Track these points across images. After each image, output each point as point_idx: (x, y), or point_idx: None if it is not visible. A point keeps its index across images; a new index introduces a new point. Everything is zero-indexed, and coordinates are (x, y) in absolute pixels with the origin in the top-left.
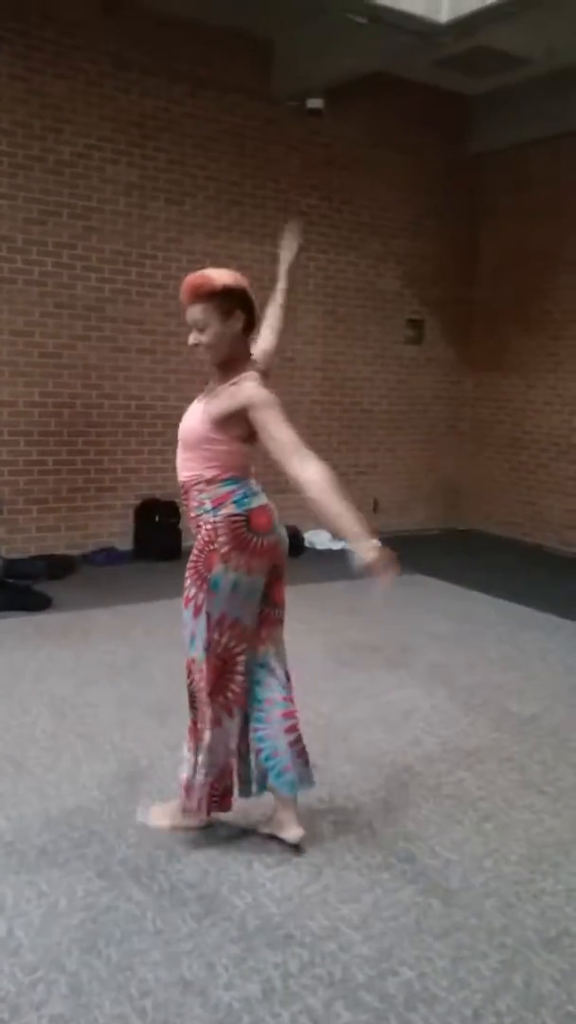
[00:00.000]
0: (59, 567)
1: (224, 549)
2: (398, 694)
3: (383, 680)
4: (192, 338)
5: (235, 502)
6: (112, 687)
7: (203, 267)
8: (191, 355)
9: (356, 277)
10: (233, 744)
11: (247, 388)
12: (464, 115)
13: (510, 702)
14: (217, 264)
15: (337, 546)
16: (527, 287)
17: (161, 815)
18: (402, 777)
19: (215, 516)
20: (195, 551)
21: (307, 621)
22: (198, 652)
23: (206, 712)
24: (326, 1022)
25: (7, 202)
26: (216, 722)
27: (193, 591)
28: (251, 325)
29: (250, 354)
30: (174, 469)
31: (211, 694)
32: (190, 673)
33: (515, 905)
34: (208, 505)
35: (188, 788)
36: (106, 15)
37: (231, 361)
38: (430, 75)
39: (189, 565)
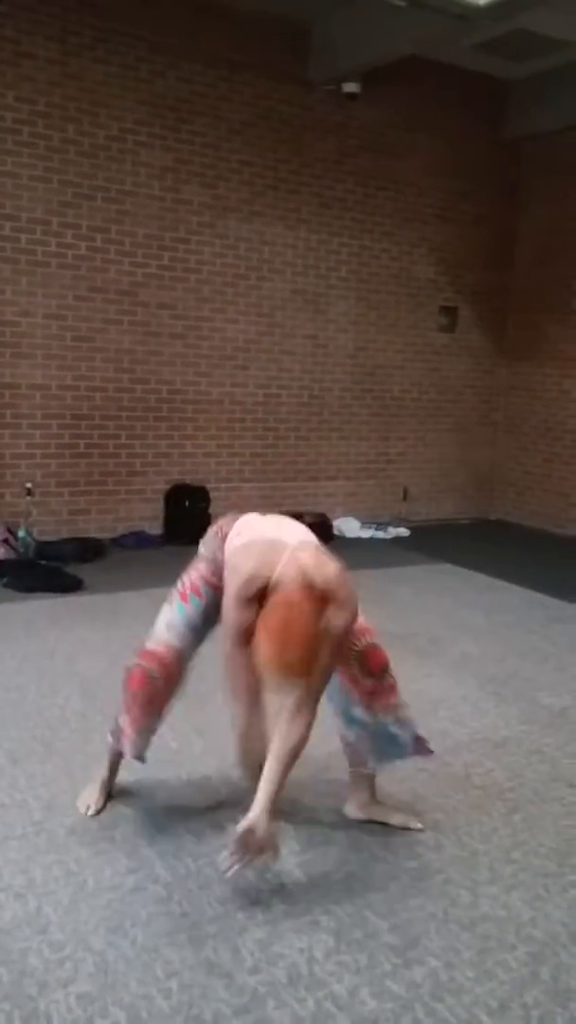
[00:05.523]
0: (90, 550)
1: None
2: (427, 684)
3: (411, 670)
4: None
5: None
6: None
7: (236, 253)
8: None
9: (390, 263)
10: None
11: None
12: (502, 100)
13: (541, 694)
14: (250, 249)
15: (366, 534)
16: (564, 275)
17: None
18: (430, 767)
19: None
20: None
21: None
22: None
23: None
24: (351, 1009)
25: (42, 184)
26: None
27: None
28: None
29: None
30: (204, 455)
31: None
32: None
33: (543, 898)
34: None
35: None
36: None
37: None
38: (468, 59)
39: None
